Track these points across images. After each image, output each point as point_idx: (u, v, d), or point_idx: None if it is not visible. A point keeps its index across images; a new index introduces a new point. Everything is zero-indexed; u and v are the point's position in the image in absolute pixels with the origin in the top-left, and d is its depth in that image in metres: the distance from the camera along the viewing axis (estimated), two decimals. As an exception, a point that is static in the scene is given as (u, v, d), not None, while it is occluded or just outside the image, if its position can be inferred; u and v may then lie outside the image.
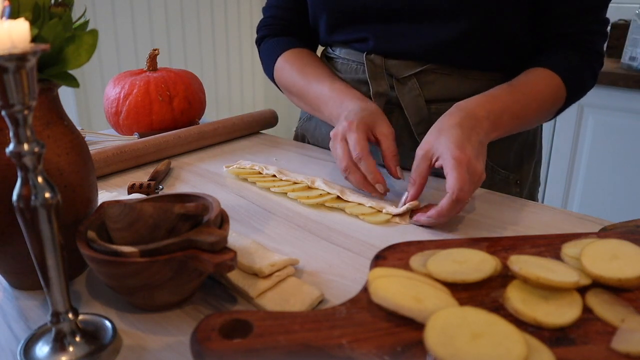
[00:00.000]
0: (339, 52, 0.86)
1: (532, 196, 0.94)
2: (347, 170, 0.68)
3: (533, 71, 0.75)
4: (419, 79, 0.79)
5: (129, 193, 0.71)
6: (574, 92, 0.76)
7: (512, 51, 0.78)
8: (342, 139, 0.68)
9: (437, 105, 0.79)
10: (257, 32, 0.95)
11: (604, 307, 0.40)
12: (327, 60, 0.89)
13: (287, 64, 0.86)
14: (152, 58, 1.00)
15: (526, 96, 0.72)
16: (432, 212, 0.61)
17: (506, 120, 0.69)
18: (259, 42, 0.95)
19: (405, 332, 0.37)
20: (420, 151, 0.65)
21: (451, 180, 0.59)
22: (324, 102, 0.78)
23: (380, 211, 0.66)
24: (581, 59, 0.77)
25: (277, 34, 0.92)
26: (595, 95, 1.34)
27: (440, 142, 0.63)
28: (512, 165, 0.86)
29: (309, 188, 0.73)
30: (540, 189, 1.02)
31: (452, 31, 0.74)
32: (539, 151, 0.94)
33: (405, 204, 0.65)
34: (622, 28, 1.88)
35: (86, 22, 0.49)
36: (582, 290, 0.42)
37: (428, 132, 0.66)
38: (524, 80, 0.74)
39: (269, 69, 0.91)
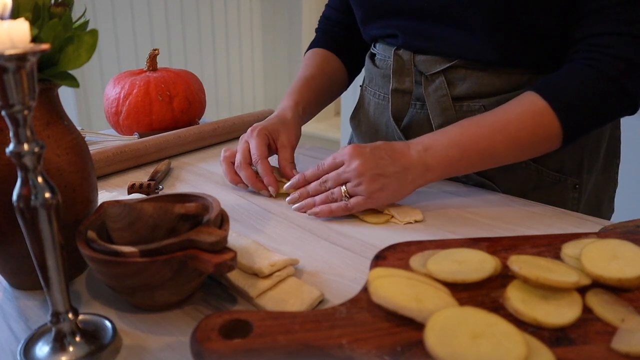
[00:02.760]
0: (377, 48, 0.86)
1: (599, 202, 0.85)
2: (240, 166, 0.74)
3: (517, 97, 0.68)
4: (448, 75, 0.76)
5: (129, 193, 0.71)
6: (569, 114, 0.64)
7: (545, 49, 0.71)
8: (245, 141, 0.76)
9: (469, 102, 0.75)
10: (318, 25, 1.00)
11: (604, 307, 0.40)
12: (370, 57, 0.89)
13: (303, 61, 0.94)
14: (152, 58, 1.00)
15: (486, 128, 0.66)
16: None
17: (454, 154, 0.65)
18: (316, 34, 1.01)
19: (405, 332, 0.37)
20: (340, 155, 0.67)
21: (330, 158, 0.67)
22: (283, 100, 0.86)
23: (380, 211, 0.66)
24: (596, 71, 0.64)
25: (322, 31, 0.97)
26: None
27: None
28: (569, 168, 0.79)
29: None
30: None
31: (474, 30, 0.71)
32: (614, 151, 0.85)
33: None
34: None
35: (86, 22, 0.49)
36: (582, 290, 0.42)
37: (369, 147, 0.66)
38: (494, 111, 0.67)
39: None
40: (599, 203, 0.85)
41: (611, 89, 0.64)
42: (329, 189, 0.66)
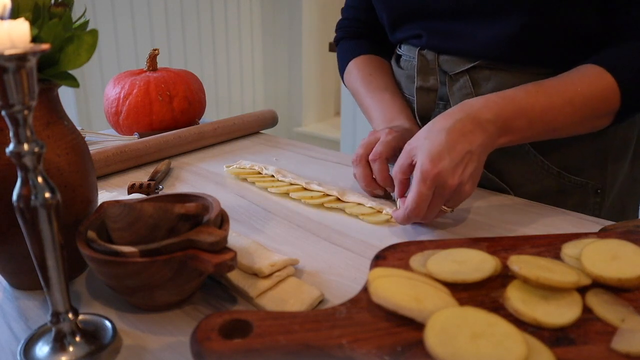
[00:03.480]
0: (402, 49, 0.86)
1: (623, 207, 0.82)
2: (356, 160, 0.70)
3: (578, 69, 0.66)
4: (472, 75, 0.74)
5: (129, 193, 0.71)
6: (633, 92, 0.64)
7: (578, 46, 0.69)
8: (374, 137, 0.71)
9: None
10: (336, 32, 0.98)
11: (604, 307, 0.40)
12: (396, 59, 0.88)
13: (354, 70, 0.89)
14: (152, 58, 1.00)
15: (556, 98, 0.63)
16: (397, 214, 0.62)
17: (521, 125, 0.63)
18: (336, 42, 0.98)
19: (405, 332, 0.37)
20: (407, 146, 0.63)
21: (409, 195, 0.59)
22: (372, 117, 0.82)
23: (380, 211, 0.66)
24: None
25: (352, 36, 0.94)
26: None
27: (421, 147, 0.60)
28: (589, 170, 0.76)
29: (305, 189, 0.73)
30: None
31: (506, 28, 0.69)
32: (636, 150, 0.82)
33: (396, 201, 0.65)
34: None
35: (86, 22, 0.49)
36: (582, 290, 0.42)
37: (423, 128, 0.63)
38: (559, 79, 0.65)
39: (341, 72, 0.95)
40: (624, 208, 0.83)
41: None
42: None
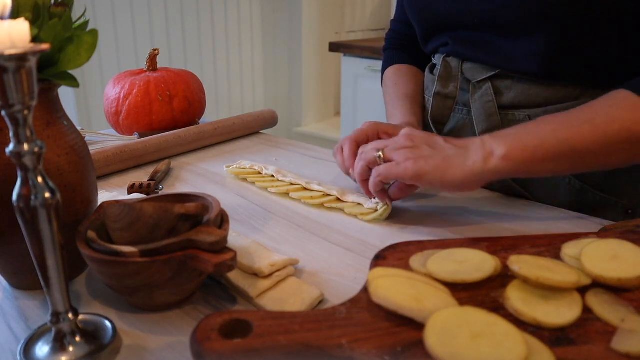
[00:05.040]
0: (435, 59, 0.87)
1: None
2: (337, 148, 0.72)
3: (608, 93, 0.59)
4: (494, 83, 0.74)
5: (129, 193, 0.71)
6: None
7: (605, 67, 0.66)
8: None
9: (514, 111, 0.72)
10: (384, 41, 1.03)
11: (604, 307, 0.40)
12: (430, 68, 0.89)
13: (386, 79, 0.95)
14: (152, 58, 1.00)
15: (573, 118, 0.57)
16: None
17: (525, 143, 0.56)
18: (383, 52, 1.03)
19: (405, 332, 0.37)
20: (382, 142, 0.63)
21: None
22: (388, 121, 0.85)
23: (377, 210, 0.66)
24: None
25: (394, 47, 0.99)
26: None
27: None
28: (620, 189, 0.70)
29: (305, 189, 0.73)
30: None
31: (531, 45, 0.67)
32: None
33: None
34: None
35: (86, 22, 0.49)
36: (582, 290, 0.42)
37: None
38: (581, 107, 0.59)
39: (381, 81, 0.99)
40: None
41: None
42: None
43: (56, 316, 0.40)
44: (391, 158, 0.59)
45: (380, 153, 0.61)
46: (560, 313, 0.39)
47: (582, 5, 0.63)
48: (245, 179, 0.78)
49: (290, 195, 0.71)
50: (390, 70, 0.95)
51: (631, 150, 0.57)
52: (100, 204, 0.49)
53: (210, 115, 2.12)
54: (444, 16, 0.77)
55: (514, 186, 0.75)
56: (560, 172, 0.59)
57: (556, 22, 0.65)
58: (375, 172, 0.61)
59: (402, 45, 0.98)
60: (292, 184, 0.74)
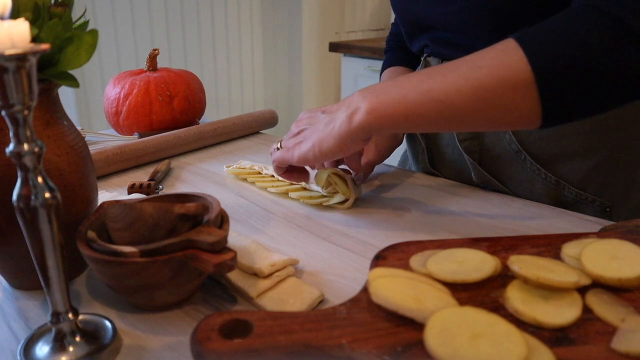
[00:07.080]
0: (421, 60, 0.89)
1: None
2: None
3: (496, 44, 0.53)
4: None
5: (129, 193, 0.71)
6: (545, 55, 0.47)
7: None
8: None
9: None
10: (385, 44, 1.05)
11: (604, 307, 0.40)
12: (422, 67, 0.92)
13: (382, 79, 0.97)
14: (152, 58, 1.00)
15: (438, 68, 0.53)
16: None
17: (392, 109, 0.51)
18: (384, 54, 1.05)
19: (405, 332, 0.37)
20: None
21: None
22: None
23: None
24: (590, 8, 0.47)
25: (393, 49, 1.00)
26: None
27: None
28: (597, 186, 0.68)
29: (305, 189, 0.73)
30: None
31: (488, 38, 0.63)
32: None
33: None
34: None
35: (86, 22, 0.49)
36: (582, 290, 0.42)
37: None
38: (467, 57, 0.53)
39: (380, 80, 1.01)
40: None
41: (606, 23, 0.46)
42: None
43: (56, 316, 0.40)
44: (285, 147, 0.64)
45: (278, 145, 0.66)
46: (560, 313, 0.39)
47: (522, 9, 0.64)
48: (245, 179, 0.79)
49: (290, 195, 0.71)
50: (387, 72, 0.97)
51: (503, 103, 0.48)
52: (100, 204, 0.49)
53: (210, 115, 2.11)
54: (422, 19, 0.79)
55: (492, 180, 0.76)
56: (433, 128, 0.53)
57: (510, 25, 0.61)
58: (272, 159, 0.66)
59: (400, 47, 1.00)
60: (292, 183, 0.74)
